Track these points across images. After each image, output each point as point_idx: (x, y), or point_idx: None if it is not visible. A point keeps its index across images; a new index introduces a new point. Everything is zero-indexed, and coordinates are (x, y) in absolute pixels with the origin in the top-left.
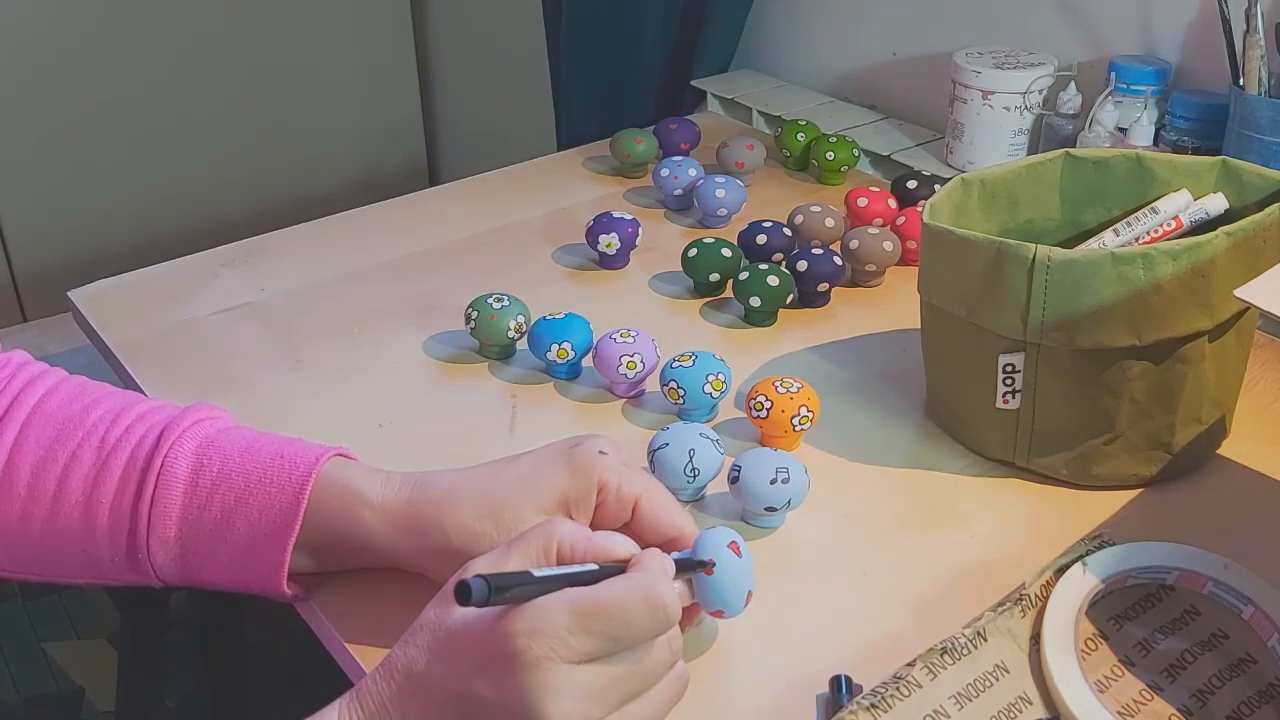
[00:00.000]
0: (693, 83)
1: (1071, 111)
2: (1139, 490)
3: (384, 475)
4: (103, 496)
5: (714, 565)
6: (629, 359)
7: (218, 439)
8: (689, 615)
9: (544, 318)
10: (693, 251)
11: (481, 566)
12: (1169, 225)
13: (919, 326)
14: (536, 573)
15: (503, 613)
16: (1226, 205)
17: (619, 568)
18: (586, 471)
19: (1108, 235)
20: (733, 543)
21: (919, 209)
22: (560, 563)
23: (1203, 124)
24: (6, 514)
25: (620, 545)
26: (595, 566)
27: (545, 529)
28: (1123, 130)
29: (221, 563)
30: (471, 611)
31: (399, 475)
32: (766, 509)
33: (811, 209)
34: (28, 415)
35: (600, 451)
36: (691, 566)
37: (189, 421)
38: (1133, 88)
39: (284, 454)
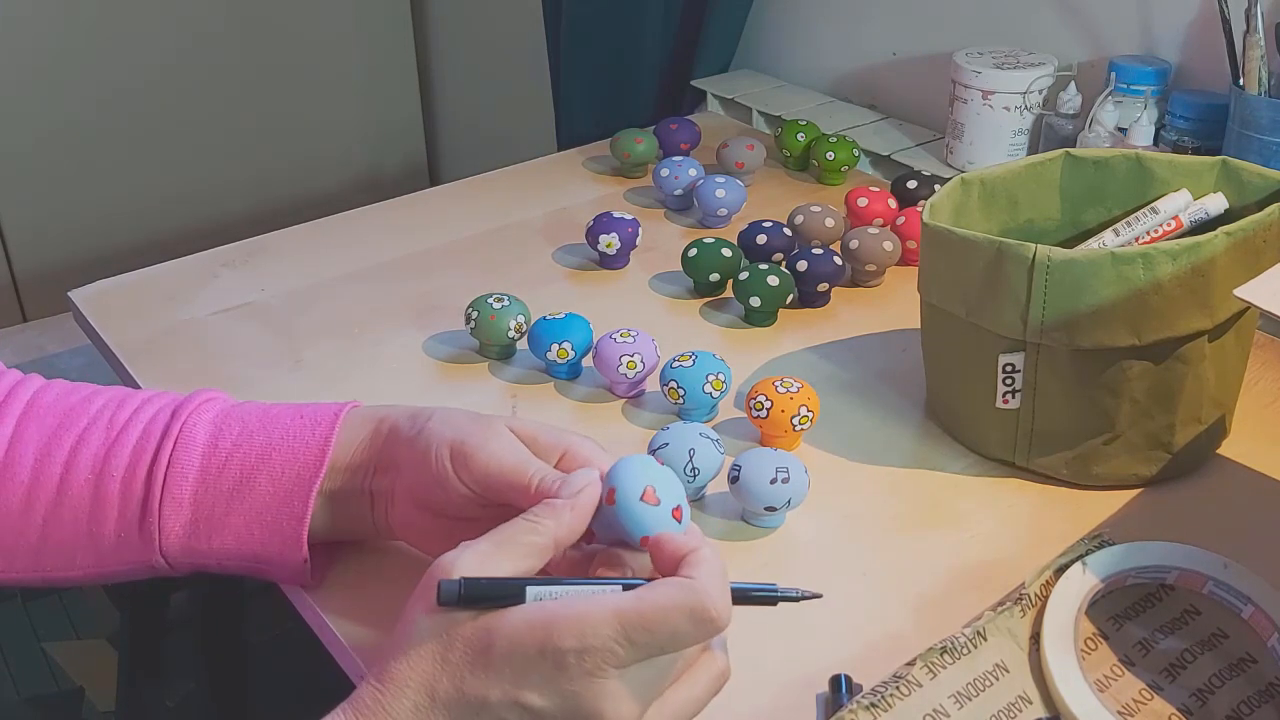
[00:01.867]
0: (693, 83)
1: (1071, 111)
2: (1139, 490)
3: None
4: (114, 469)
5: (614, 491)
6: (629, 359)
7: (234, 410)
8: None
9: (544, 318)
10: (693, 251)
11: (467, 561)
12: (1169, 225)
13: (919, 326)
14: (530, 594)
15: (546, 625)
16: (1226, 205)
17: (637, 580)
18: (549, 433)
19: (1108, 235)
20: (644, 460)
21: (919, 209)
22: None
23: (1203, 124)
24: (7, 501)
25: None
26: (596, 583)
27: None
28: (1123, 130)
29: (235, 527)
30: (488, 619)
31: None
32: (766, 509)
33: (811, 209)
34: (23, 410)
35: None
36: (750, 599)
37: (202, 399)
38: (1133, 88)
39: (304, 413)
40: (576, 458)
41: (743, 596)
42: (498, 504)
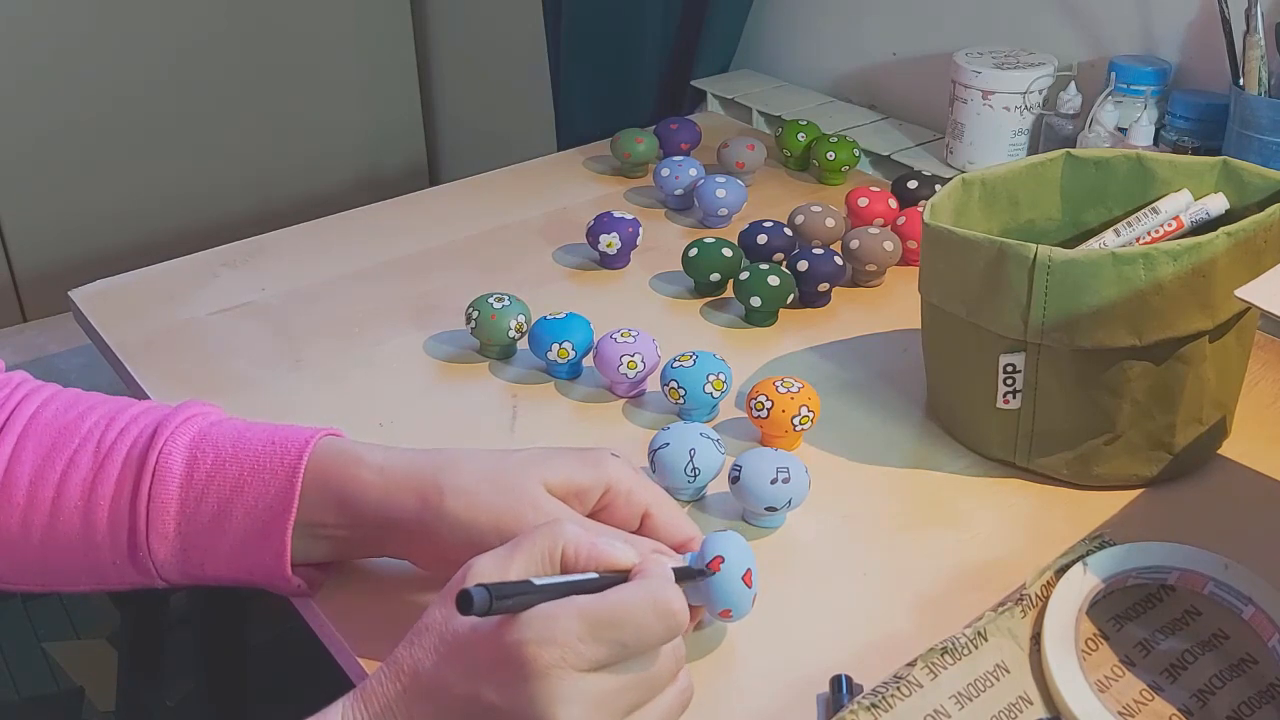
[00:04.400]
0: (693, 83)
1: (1071, 111)
2: (1139, 490)
3: (385, 446)
4: (100, 499)
5: (721, 561)
6: (629, 359)
7: (210, 432)
8: (690, 617)
9: (544, 317)
10: (693, 251)
11: (485, 566)
12: (1170, 225)
13: (919, 326)
14: (538, 581)
15: (512, 619)
16: (1227, 205)
17: (621, 577)
18: (598, 464)
19: (1108, 235)
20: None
21: (920, 209)
22: (564, 567)
23: (1203, 124)
24: (6, 524)
25: (623, 554)
26: (596, 575)
27: (550, 531)
28: (1123, 130)
29: (223, 555)
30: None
31: (403, 447)
32: (767, 509)
33: (812, 209)
34: (24, 427)
35: (613, 454)
36: (691, 575)
37: (181, 418)
38: (1133, 88)
39: (275, 439)
40: (660, 526)
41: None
42: None
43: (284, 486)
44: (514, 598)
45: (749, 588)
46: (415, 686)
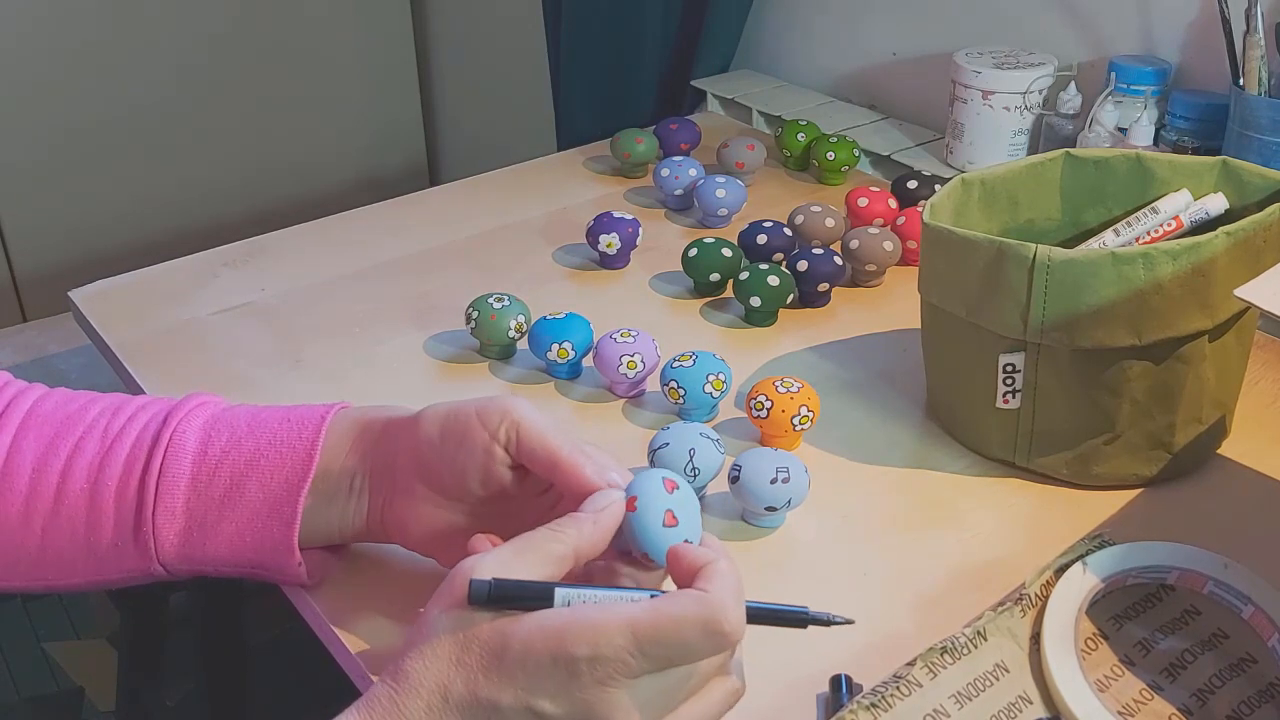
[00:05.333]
0: (693, 83)
1: (1071, 111)
2: (1139, 490)
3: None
4: (108, 479)
5: (635, 500)
6: (629, 359)
7: (223, 415)
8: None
9: (544, 317)
10: (693, 251)
11: (489, 565)
12: (1169, 225)
13: (919, 326)
14: (559, 596)
15: (559, 633)
16: (1227, 205)
17: (660, 593)
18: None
19: (1108, 235)
20: (668, 480)
21: (919, 209)
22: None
23: (1203, 124)
24: (6, 512)
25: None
26: (623, 591)
27: (557, 529)
28: (1123, 130)
29: (228, 534)
30: (505, 622)
31: None
32: (767, 509)
33: (812, 209)
34: (22, 419)
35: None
36: (782, 620)
37: (193, 404)
38: (1133, 88)
39: (292, 416)
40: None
41: (773, 616)
42: (517, 469)
43: (303, 458)
44: (522, 600)
45: (674, 526)
46: (444, 704)
